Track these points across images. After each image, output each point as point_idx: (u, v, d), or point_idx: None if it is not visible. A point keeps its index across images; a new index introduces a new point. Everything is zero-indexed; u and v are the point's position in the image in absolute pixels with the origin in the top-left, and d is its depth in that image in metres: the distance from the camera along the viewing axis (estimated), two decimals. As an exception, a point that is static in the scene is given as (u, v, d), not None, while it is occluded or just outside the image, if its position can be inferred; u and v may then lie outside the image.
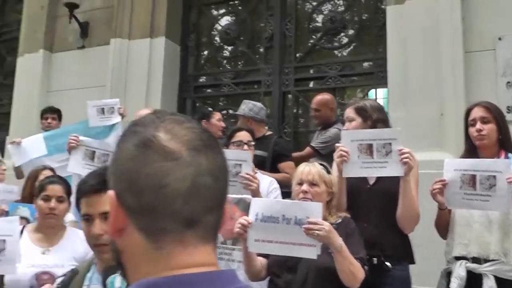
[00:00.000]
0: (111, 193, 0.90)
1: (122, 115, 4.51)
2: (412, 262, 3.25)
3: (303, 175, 3.01)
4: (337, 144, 3.22)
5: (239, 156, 3.33)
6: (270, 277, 2.95)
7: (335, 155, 3.18)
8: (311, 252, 2.70)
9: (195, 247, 0.88)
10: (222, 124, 4.88)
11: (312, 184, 2.98)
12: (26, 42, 7.41)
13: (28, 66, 7.21)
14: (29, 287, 2.88)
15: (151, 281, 0.85)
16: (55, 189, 3.06)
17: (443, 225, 3.22)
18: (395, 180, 3.11)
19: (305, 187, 2.96)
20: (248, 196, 3.42)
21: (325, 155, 4.47)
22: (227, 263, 3.45)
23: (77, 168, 3.68)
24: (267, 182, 3.50)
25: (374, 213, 3.18)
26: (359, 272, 2.74)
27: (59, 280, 2.10)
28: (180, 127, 0.90)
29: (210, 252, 0.90)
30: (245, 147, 3.65)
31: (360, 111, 3.45)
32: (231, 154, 3.39)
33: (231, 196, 3.45)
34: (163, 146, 0.87)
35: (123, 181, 0.89)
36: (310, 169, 3.01)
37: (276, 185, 3.58)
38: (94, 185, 1.91)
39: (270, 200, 2.96)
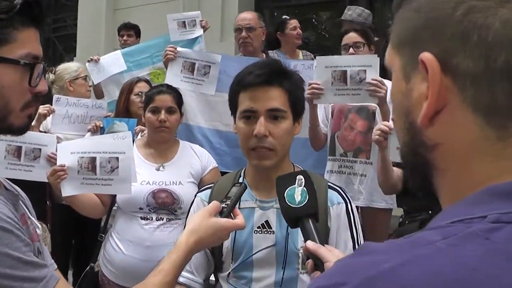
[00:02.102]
0: (427, 56, 0.60)
1: (205, 28, 4.18)
2: None
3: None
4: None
5: (364, 61, 2.93)
6: (409, 189, 2.62)
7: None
8: None
9: None
10: (299, 31, 4.40)
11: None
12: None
13: (91, -17, 6.82)
14: (145, 206, 2.65)
15: (506, 186, 0.57)
16: (165, 99, 2.76)
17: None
18: None
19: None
20: (371, 104, 3.05)
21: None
22: (348, 176, 3.14)
23: (174, 81, 3.36)
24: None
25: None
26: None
27: (202, 194, 1.81)
28: None
29: None
30: (351, 50, 3.22)
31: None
32: (353, 59, 3.00)
33: (349, 103, 3.08)
34: None
35: (451, 35, 0.59)
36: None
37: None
38: (263, 75, 1.59)
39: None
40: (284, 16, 4.67)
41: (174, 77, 3.43)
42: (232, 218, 1.40)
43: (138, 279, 2.56)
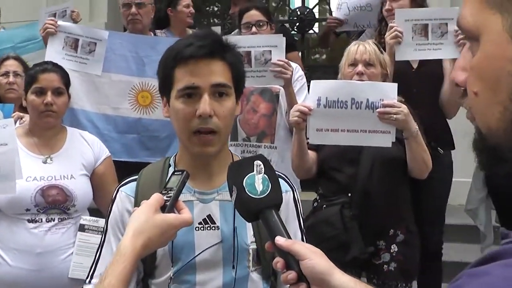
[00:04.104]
0: None
1: (75, 21, 3.73)
2: (453, 148, 3.18)
3: (357, 54, 2.59)
4: (391, 24, 2.93)
5: (269, 41, 2.78)
6: (324, 172, 2.54)
7: (388, 36, 2.88)
8: (385, 140, 2.37)
9: None
10: (191, 10, 4.17)
11: (368, 64, 2.56)
12: None
13: None
14: (33, 206, 2.26)
15: None
16: (51, 79, 2.39)
17: None
18: (439, 62, 2.99)
19: (360, 67, 2.56)
20: (276, 86, 2.93)
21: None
22: (251, 162, 2.99)
23: (55, 59, 2.91)
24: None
25: (422, 98, 2.94)
26: (430, 161, 2.53)
27: (126, 189, 1.51)
28: None
29: None
30: (254, 29, 3.06)
31: None
32: (257, 40, 2.84)
33: (254, 85, 2.93)
34: None
35: None
36: (366, 47, 2.59)
37: (301, 72, 3.08)
38: (205, 47, 1.37)
39: (336, 81, 2.49)
40: None
41: (54, 54, 3.01)
42: (176, 213, 1.19)
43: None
